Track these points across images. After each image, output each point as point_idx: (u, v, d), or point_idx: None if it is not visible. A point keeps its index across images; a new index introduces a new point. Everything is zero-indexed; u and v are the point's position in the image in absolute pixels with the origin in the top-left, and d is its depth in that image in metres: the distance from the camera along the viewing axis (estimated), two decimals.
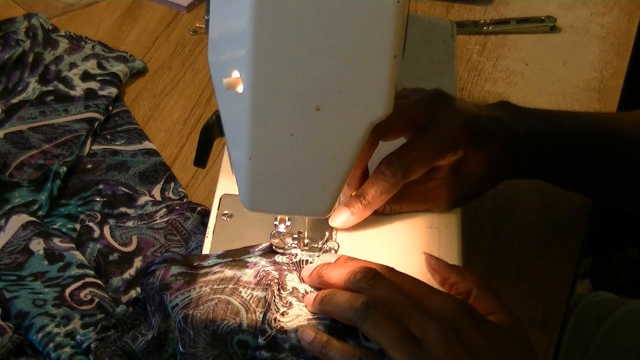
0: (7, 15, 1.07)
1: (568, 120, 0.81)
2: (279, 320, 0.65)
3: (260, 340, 0.64)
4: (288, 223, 0.70)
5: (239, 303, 0.66)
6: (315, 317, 0.65)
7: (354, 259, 0.68)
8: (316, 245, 0.72)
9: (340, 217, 0.71)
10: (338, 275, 0.65)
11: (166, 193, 0.88)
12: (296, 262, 0.70)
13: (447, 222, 0.74)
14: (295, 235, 0.71)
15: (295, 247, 0.71)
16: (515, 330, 0.63)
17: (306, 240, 0.72)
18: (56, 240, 0.79)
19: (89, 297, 0.74)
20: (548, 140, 0.76)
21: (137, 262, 0.79)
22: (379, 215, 0.74)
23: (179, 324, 0.65)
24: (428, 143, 0.71)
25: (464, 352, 0.59)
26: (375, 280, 0.63)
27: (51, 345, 0.70)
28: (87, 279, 0.76)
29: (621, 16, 1.11)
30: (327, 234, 0.72)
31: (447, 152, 0.71)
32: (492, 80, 1.03)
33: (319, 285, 0.67)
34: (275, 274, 0.68)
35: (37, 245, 0.78)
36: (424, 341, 0.59)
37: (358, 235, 0.73)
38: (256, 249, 0.71)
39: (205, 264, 0.70)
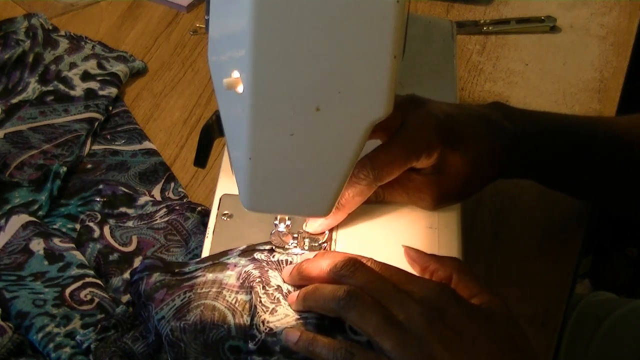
0: (7, 15, 1.07)
1: (565, 121, 0.81)
2: (268, 322, 0.65)
3: (251, 346, 0.64)
4: (288, 222, 0.70)
5: (225, 307, 0.66)
6: (302, 316, 0.65)
7: (333, 252, 0.69)
8: (316, 245, 0.72)
9: (315, 222, 0.71)
10: (318, 267, 0.66)
11: (166, 193, 0.88)
12: (275, 261, 0.70)
13: (447, 222, 0.74)
14: (295, 235, 0.71)
15: (295, 247, 0.71)
16: (500, 310, 0.63)
17: (306, 240, 0.72)
18: (56, 240, 0.79)
19: (89, 297, 0.74)
20: (543, 141, 0.76)
21: (137, 262, 0.79)
22: (379, 216, 0.74)
23: (167, 337, 0.65)
24: (398, 146, 0.70)
25: (449, 331, 0.59)
26: (357, 268, 0.64)
27: (51, 345, 0.70)
28: (87, 279, 0.76)
29: (621, 16, 1.11)
30: (327, 233, 0.72)
31: (419, 154, 0.70)
32: (492, 80, 1.03)
33: (300, 282, 0.67)
34: (257, 272, 0.68)
35: (37, 245, 0.78)
36: (408, 324, 0.60)
37: (358, 236, 0.73)
38: (234, 251, 0.70)
39: (186, 269, 0.70)
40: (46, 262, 0.77)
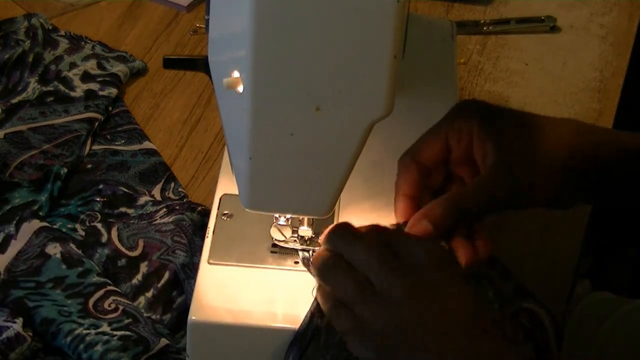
0: (7, 15, 1.07)
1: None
2: None
3: None
4: (288, 216, 0.70)
5: None
6: None
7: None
8: (317, 241, 0.72)
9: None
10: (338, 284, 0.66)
11: (166, 193, 0.88)
12: None
13: None
14: (295, 228, 0.71)
15: (295, 241, 0.71)
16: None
17: (307, 239, 0.72)
18: (73, 246, 0.79)
19: (112, 305, 0.74)
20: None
21: (143, 268, 0.79)
22: (380, 214, 0.74)
23: None
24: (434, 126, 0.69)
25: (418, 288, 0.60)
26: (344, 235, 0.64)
27: (82, 346, 0.70)
28: (109, 287, 0.75)
29: (621, 16, 1.11)
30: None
31: (451, 124, 0.68)
32: (492, 80, 1.03)
33: None
34: None
35: (54, 249, 0.78)
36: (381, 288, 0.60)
37: None
38: None
39: None
40: (64, 266, 0.77)
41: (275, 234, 0.71)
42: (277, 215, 0.70)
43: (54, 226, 0.82)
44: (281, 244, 0.71)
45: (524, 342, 0.66)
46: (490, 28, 1.09)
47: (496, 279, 0.68)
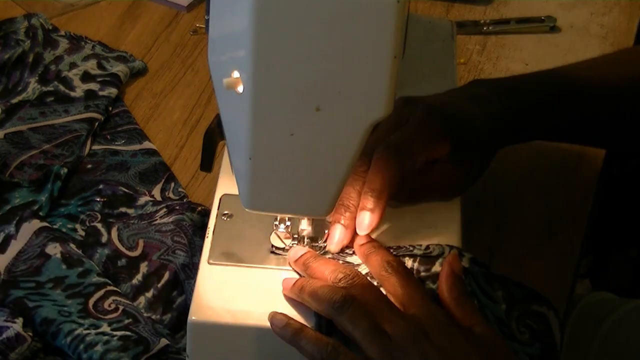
0: (7, 15, 1.07)
1: (535, 76, 0.81)
2: None
3: None
4: (288, 223, 0.70)
5: None
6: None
7: (339, 263, 0.70)
8: (316, 245, 0.72)
9: (363, 221, 0.70)
10: (322, 271, 0.67)
11: (166, 193, 0.88)
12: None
13: (447, 222, 0.74)
14: (296, 235, 0.71)
15: (295, 242, 0.71)
16: (495, 341, 0.63)
17: (307, 240, 0.72)
18: (73, 246, 0.79)
19: (112, 306, 0.74)
20: (526, 97, 0.77)
21: (143, 268, 0.78)
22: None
23: None
24: (416, 132, 0.72)
25: (432, 348, 0.60)
26: (355, 281, 0.65)
27: (82, 346, 0.70)
28: (109, 287, 0.75)
29: (621, 16, 1.11)
30: (327, 232, 0.72)
31: (434, 142, 0.72)
32: None
33: (302, 274, 0.69)
34: None
35: (54, 249, 0.78)
36: (394, 335, 0.61)
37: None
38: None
39: None
40: (64, 266, 0.77)
41: (275, 241, 0.71)
42: (276, 221, 0.70)
43: (54, 226, 0.82)
44: (280, 252, 0.71)
45: (531, 342, 0.66)
46: (490, 28, 1.09)
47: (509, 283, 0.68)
